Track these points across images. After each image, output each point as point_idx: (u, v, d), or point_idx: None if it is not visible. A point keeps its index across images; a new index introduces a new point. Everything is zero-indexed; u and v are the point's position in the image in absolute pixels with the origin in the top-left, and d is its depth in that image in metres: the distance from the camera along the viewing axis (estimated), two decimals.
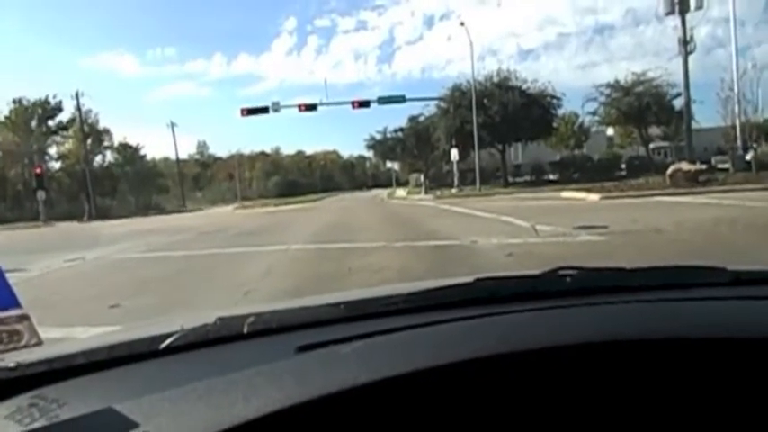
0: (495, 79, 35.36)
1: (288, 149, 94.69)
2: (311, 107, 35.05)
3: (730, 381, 0.72)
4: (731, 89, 26.30)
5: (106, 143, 47.30)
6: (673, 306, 0.90)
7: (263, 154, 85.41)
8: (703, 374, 0.73)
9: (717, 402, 0.71)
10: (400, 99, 35.54)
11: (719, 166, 28.40)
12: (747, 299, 0.93)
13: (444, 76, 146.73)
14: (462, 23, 33.83)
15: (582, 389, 0.71)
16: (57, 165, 45.69)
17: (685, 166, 20.54)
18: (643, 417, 0.70)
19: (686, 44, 25.02)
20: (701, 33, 58.21)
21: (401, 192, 44.38)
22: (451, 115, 34.70)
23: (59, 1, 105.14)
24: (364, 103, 35.07)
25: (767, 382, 0.72)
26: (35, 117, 43.76)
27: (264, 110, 34.89)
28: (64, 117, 44.75)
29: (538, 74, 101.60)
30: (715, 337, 0.76)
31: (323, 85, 66.94)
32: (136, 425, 0.57)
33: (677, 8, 25.06)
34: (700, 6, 24.88)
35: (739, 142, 25.64)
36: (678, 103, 33.06)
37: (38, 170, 36.13)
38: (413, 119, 43.76)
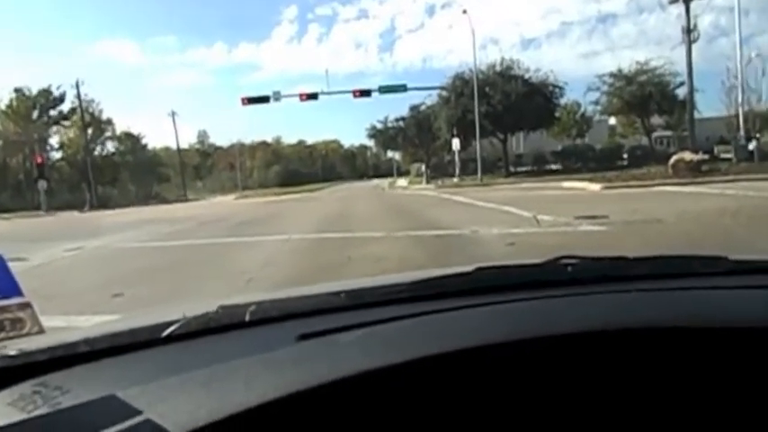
0: (498, 68, 35.19)
1: (289, 139, 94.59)
2: (312, 96, 34.94)
3: (731, 369, 0.72)
4: (735, 78, 26.21)
5: (108, 133, 47.29)
6: (673, 295, 0.90)
7: (264, 143, 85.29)
8: (704, 363, 0.73)
9: (718, 390, 0.72)
10: (401, 88, 35.39)
11: (722, 155, 28.32)
12: (748, 288, 0.93)
13: (446, 65, 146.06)
14: (465, 11, 33.64)
15: (583, 377, 0.71)
16: (58, 154, 45.71)
17: (688, 155, 20.47)
18: (644, 405, 0.71)
19: (690, 33, 24.85)
20: (704, 22, 57.70)
21: (402, 181, 44.37)
22: (453, 104, 34.58)
23: None
24: (365, 93, 34.95)
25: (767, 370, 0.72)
26: (37, 107, 43.62)
27: (265, 99, 34.80)
28: (65, 107, 44.69)
29: (540, 63, 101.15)
30: (716, 326, 0.76)
31: (324, 74, 66.76)
32: (138, 412, 0.57)
33: None
34: None
35: (742, 132, 25.53)
36: (681, 93, 32.98)
37: (39, 160, 36.16)
38: (414, 108, 43.68)
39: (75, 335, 0.86)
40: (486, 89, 33.23)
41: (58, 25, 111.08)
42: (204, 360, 0.69)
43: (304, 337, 0.75)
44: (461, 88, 34.43)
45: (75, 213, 29.61)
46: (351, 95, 35.09)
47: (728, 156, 26.11)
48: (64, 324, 3.73)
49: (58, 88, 43.76)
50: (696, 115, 28.46)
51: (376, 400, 0.66)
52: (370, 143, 57.05)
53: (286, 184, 56.82)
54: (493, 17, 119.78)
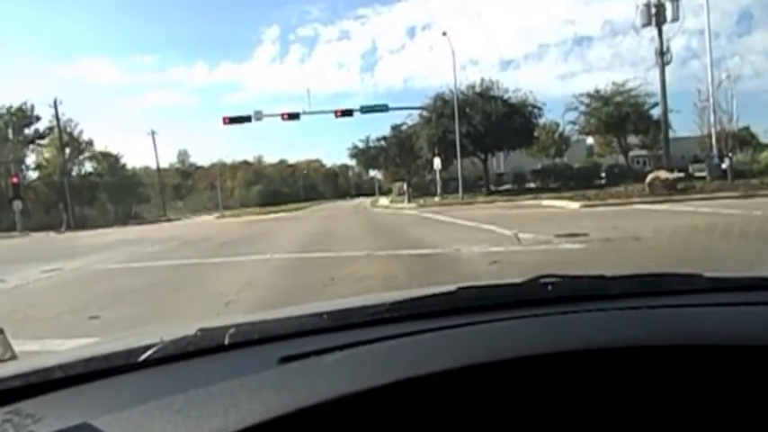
0: (478, 89, 35.70)
1: (270, 158, 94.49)
2: (294, 116, 34.97)
3: (708, 387, 0.73)
4: (707, 99, 26.93)
5: (87, 153, 46.64)
6: (651, 313, 0.91)
7: (245, 162, 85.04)
8: (681, 381, 0.74)
9: (695, 408, 0.72)
10: (383, 108, 35.64)
11: (696, 173, 28.95)
12: (724, 305, 0.95)
13: (427, 86, 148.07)
14: (444, 33, 34.09)
15: (563, 397, 0.72)
16: (34, 174, 44.92)
17: (663, 174, 20.89)
18: (624, 423, 0.71)
19: (663, 55, 25.54)
20: (677, 45, 59.53)
21: (384, 200, 44.46)
22: (434, 124, 34.92)
23: (35, 4, 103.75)
24: (347, 112, 35.10)
25: (744, 387, 0.73)
26: (10, 125, 42.88)
27: (247, 119, 34.73)
28: (41, 125, 44.00)
29: (519, 83, 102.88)
30: (692, 343, 0.77)
31: (306, 94, 67.00)
32: None
33: (654, 20, 25.60)
34: (676, 18, 25.45)
35: (715, 151, 26.17)
36: (656, 113, 33.76)
37: (14, 179, 35.46)
38: (396, 128, 43.99)
39: (50, 360, 0.84)
40: (467, 109, 33.66)
41: (32, 43, 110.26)
42: (182, 385, 0.67)
43: (285, 359, 0.74)
44: (442, 108, 34.82)
45: (52, 234, 29.04)
46: (332, 115, 35.20)
47: (703, 174, 26.71)
48: (38, 348, 3.63)
49: (31, 108, 43.08)
50: (671, 135, 29.13)
51: (358, 423, 0.65)
52: (352, 162, 57.15)
53: (267, 204, 56.54)
54: (472, 39, 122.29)
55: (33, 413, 0.65)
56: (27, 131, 43.96)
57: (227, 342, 0.84)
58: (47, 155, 44.03)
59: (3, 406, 0.68)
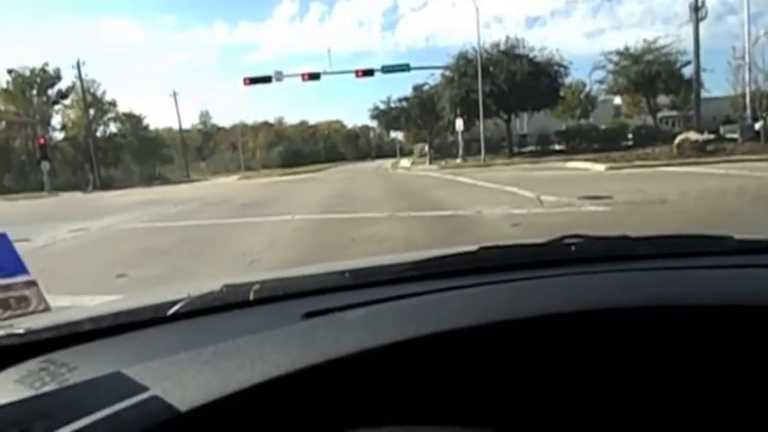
0: (502, 47, 34.76)
1: (291, 119, 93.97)
2: (314, 76, 34.60)
3: (736, 347, 0.72)
4: (742, 57, 25.82)
5: (110, 114, 47.06)
6: (678, 274, 0.90)
7: (266, 124, 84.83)
8: (709, 341, 0.73)
9: (723, 368, 0.72)
10: (405, 68, 34.99)
11: (728, 135, 28.07)
12: (753, 267, 0.93)
13: (450, 44, 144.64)
14: None
15: (588, 355, 0.72)
16: (60, 135, 45.59)
17: (693, 135, 20.30)
18: (649, 383, 0.71)
19: (697, 10, 24.48)
20: None
21: (405, 162, 44.18)
22: (456, 84, 34.24)
23: None
24: (368, 72, 34.57)
25: None
26: (34, 86, 43.28)
27: (267, 79, 34.48)
28: (63, 86, 44.31)
29: (544, 41, 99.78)
30: (720, 304, 0.76)
31: (326, 54, 66.18)
32: (145, 388, 0.58)
33: None
34: None
35: (749, 111, 25.24)
36: (688, 72, 32.53)
37: (41, 140, 36.05)
38: (417, 88, 43.24)
39: (81, 313, 0.87)
40: (491, 69, 32.86)
41: (54, 2, 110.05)
42: (209, 338, 0.69)
43: (309, 315, 0.75)
44: (465, 68, 34.04)
45: (79, 194, 29.66)
46: (353, 75, 34.71)
47: (734, 136, 25.89)
48: (68, 303, 3.76)
49: (56, 70, 43.28)
50: (703, 94, 28.22)
51: (381, 377, 0.66)
52: (373, 123, 56.66)
53: (289, 165, 56.64)
54: None
55: (67, 362, 0.68)
56: (51, 92, 44.39)
57: (251, 298, 0.85)
58: (72, 116, 44.52)
59: (38, 355, 0.70)
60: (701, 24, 24.93)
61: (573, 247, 1.01)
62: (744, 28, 25.64)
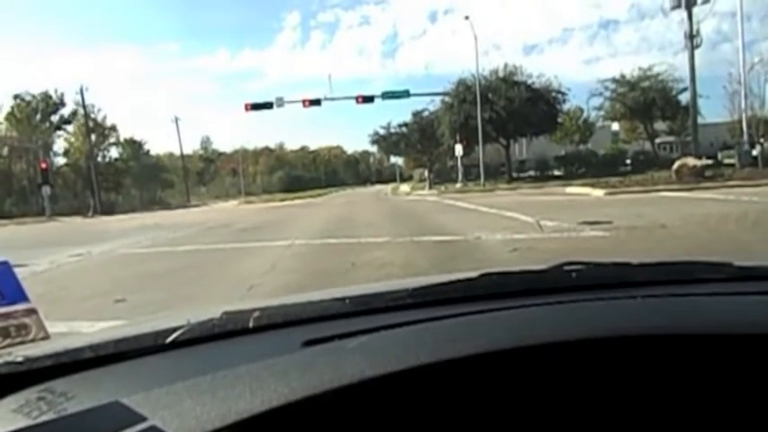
0: (501, 74, 35.27)
1: (292, 144, 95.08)
2: (315, 102, 35.02)
3: (736, 377, 0.72)
4: (738, 83, 26.18)
5: (112, 139, 47.48)
6: (678, 301, 0.90)
7: (267, 149, 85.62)
8: (709, 371, 0.72)
9: (723, 398, 0.71)
10: (404, 94, 35.46)
11: (726, 161, 28.28)
12: (754, 294, 0.92)
13: (449, 71, 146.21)
14: (467, 17, 33.75)
15: (587, 384, 0.71)
16: (62, 160, 45.88)
17: (691, 161, 20.42)
18: (649, 413, 0.70)
19: (693, 38, 24.88)
20: (707, 27, 57.90)
21: (405, 187, 44.39)
22: (456, 110, 34.63)
23: None
24: (368, 99, 35.02)
25: None
26: (38, 112, 43.75)
27: (269, 105, 34.90)
28: (66, 112, 44.81)
29: (542, 68, 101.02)
30: (721, 333, 0.76)
31: (327, 80, 67.15)
32: (143, 418, 0.57)
33: (684, 2, 24.91)
34: (706, 0, 24.72)
35: (746, 137, 25.46)
36: (684, 98, 33.00)
37: (43, 165, 36.27)
38: (417, 114, 43.77)
39: (80, 341, 0.86)
40: (489, 95, 33.28)
41: (58, 31, 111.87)
42: (209, 366, 0.69)
43: (309, 343, 0.74)
44: (464, 94, 34.48)
45: (79, 219, 29.69)
46: (354, 101, 35.19)
47: (732, 161, 26.05)
48: (68, 330, 3.73)
49: (57, 93, 43.84)
50: (700, 120, 28.50)
51: (381, 406, 0.65)
52: (373, 149, 57.28)
53: (289, 190, 56.91)
54: (495, 23, 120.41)
55: (65, 391, 0.67)
56: (54, 117, 44.82)
57: (251, 325, 0.85)
58: (74, 141, 44.87)
59: (36, 384, 0.70)
60: (697, 52, 25.37)
61: (574, 274, 1.01)
62: (738, 55, 26.10)
